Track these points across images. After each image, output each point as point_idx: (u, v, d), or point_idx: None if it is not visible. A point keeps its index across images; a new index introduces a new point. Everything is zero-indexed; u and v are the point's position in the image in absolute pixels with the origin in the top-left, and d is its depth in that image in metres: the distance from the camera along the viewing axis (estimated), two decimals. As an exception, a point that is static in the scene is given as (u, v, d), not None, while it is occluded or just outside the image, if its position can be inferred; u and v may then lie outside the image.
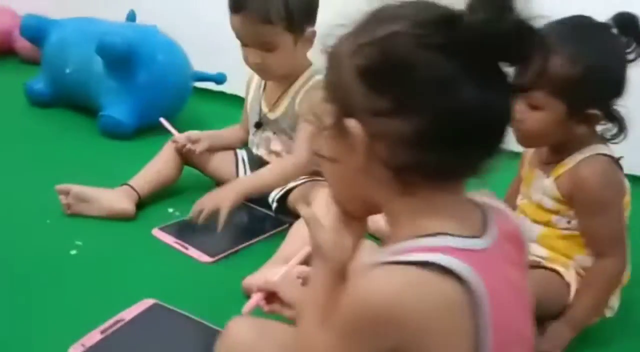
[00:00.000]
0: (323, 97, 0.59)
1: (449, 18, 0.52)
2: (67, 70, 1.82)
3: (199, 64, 1.94)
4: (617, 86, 0.97)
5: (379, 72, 0.53)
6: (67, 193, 1.26)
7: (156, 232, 1.25)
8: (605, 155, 1.00)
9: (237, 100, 2.23)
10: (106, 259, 1.12)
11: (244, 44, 1.26)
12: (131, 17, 2.12)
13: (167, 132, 1.46)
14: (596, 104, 0.97)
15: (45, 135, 1.76)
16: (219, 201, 1.18)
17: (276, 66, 1.26)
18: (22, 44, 2.46)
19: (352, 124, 0.54)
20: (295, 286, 0.81)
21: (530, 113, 0.97)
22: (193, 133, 1.43)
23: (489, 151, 0.55)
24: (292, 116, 1.33)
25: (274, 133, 1.38)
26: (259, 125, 1.40)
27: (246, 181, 1.33)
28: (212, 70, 1.99)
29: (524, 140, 1.02)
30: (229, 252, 1.21)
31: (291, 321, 0.74)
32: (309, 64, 1.33)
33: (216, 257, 1.19)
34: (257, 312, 0.80)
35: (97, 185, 1.30)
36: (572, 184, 1.01)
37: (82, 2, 2.21)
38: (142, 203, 1.33)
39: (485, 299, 0.51)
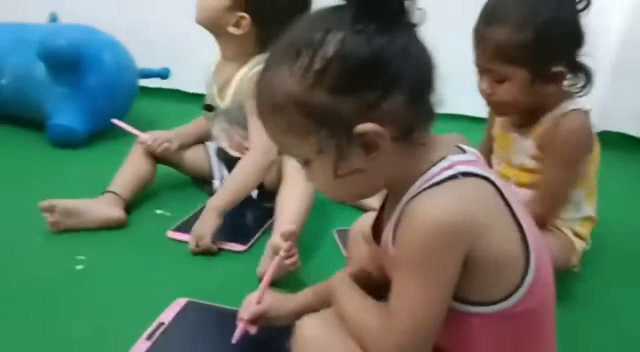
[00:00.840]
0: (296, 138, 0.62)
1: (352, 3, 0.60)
2: (2, 81, 1.70)
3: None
4: (574, 39, 1.02)
5: (354, 77, 0.58)
6: (51, 210, 1.19)
7: (172, 234, 1.23)
8: (579, 110, 1.04)
9: (180, 96, 2.21)
10: (118, 268, 1.09)
11: None
12: (53, 19, 2.00)
13: (122, 134, 1.41)
14: (558, 61, 1.01)
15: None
16: (206, 231, 1.16)
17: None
18: None
19: (367, 127, 0.59)
20: (280, 303, 0.85)
21: (497, 87, 1.02)
22: (159, 133, 1.40)
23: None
24: (239, 107, 1.31)
25: (230, 124, 1.38)
26: (209, 107, 1.39)
27: (224, 195, 1.23)
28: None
29: (498, 111, 1.10)
30: (258, 235, 1.24)
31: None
32: (258, 51, 1.30)
33: (249, 244, 1.21)
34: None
35: (64, 197, 1.23)
36: (551, 137, 1.04)
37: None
38: (127, 208, 1.29)
39: (502, 190, 0.63)
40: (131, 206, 1.31)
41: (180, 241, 1.20)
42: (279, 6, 1.20)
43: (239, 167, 1.27)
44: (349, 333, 0.69)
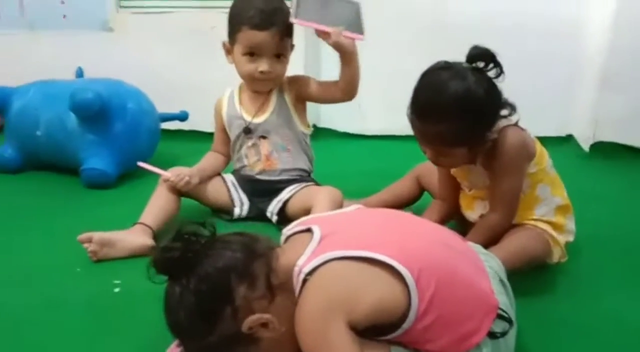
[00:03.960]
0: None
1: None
2: (38, 133, 1.88)
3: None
4: (498, 103, 1.13)
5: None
6: (89, 240, 1.34)
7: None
8: (509, 125, 1.17)
9: (195, 135, 2.38)
10: (151, 289, 1.22)
11: (256, 56, 1.47)
12: (79, 73, 2.20)
13: (148, 174, 1.56)
14: (490, 127, 1.13)
15: (30, 199, 1.80)
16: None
17: (281, 73, 1.53)
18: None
19: (254, 318, 0.81)
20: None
21: (441, 157, 1.18)
22: (182, 169, 1.55)
23: None
24: (282, 113, 1.56)
25: (261, 137, 1.56)
26: (248, 131, 1.57)
27: None
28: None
29: (445, 169, 1.27)
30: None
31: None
32: None
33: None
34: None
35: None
36: (493, 156, 1.16)
37: (28, 69, 2.25)
38: (155, 238, 1.43)
39: (346, 253, 0.84)
40: (159, 235, 1.45)
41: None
42: None
43: None
44: None
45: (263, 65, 1.47)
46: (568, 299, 1.16)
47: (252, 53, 1.47)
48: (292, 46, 1.53)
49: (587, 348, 1.01)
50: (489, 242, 1.16)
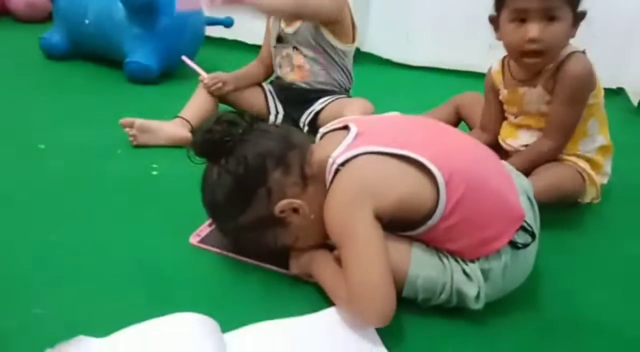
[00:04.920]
0: None
1: None
2: (87, 21, 1.89)
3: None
4: None
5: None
6: (131, 126, 1.38)
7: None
8: (577, 52, 1.14)
9: (241, 46, 2.37)
10: (186, 175, 1.25)
11: None
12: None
13: (190, 73, 1.56)
14: (579, 3, 1.12)
15: (75, 86, 1.85)
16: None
17: None
18: (16, 3, 2.48)
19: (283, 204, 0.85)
20: None
21: (547, 28, 1.10)
22: (219, 74, 1.54)
23: None
24: (309, 28, 1.49)
25: (294, 48, 1.53)
26: (280, 39, 1.55)
27: None
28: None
29: (544, 57, 1.13)
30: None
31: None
32: None
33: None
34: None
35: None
36: (558, 80, 1.14)
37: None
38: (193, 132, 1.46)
39: (383, 149, 0.86)
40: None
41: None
42: None
43: None
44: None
45: None
46: (592, 239, 1.16)
47: None
48: None
49: (601, 289, 1.00)
50: (531, 169, 1.16)
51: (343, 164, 0.83)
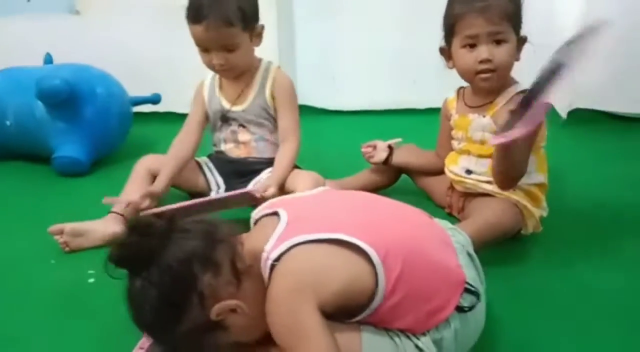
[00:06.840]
0: None
1: None
2: (8, 123, 1.84)
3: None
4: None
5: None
6: (60, 232, 1.32)
7: None
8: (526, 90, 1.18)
9: (171, 117, 2.34)
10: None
11: (206, 50, 1.40)
12: (48, 60, 2.14)
13: (122, 160, 1.57)
14: (521, 28, 1.22)
15: (3, 188, 1.78)
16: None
17: (239, 63, 1.43)
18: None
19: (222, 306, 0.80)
20: None
21: (497, 49, 1.19)
22: (127, 198, 1.41)
23: None
24: (261, 105, 1.48)
25: (240, 125, 1.51)
26: (225, 119, 1.52)
27: (278, 173, 1.42)
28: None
29: (497, 75, 1.21)
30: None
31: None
32: (259, 58, 1.50)
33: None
34: None
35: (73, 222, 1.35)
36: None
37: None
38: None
39: (315, 237, 0.84)
40: (133, 222, 1.43)
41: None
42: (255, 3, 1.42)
43: (280, 153, 1.47)
44: None
45: (210, 60, 1.40)
46: (540, 270, 1.18)
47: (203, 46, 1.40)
48: (262, 27, 1.45)
49: (557, 317, 1.02)
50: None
51: (278, 259, 0.80)
